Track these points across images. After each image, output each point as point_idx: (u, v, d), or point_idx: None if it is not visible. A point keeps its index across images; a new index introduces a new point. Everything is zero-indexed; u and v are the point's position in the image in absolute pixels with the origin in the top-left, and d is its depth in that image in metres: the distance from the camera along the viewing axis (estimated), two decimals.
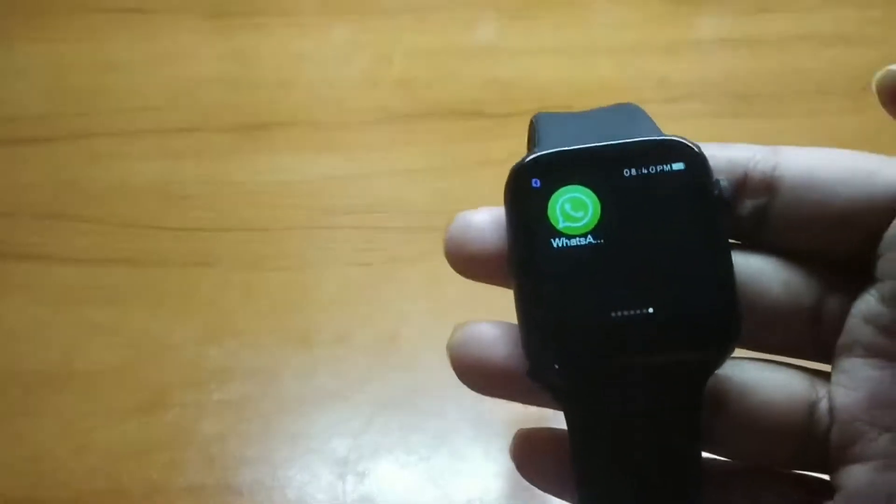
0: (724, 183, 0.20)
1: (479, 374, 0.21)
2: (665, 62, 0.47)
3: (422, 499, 0.34)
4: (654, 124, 0.21)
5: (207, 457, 0.35)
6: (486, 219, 0.21)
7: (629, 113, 0.22)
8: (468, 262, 0.21)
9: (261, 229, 0.42)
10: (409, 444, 0.36)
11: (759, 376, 0.21)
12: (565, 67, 0.47)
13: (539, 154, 0.20)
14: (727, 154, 0.21)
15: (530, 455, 0.21)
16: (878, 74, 0.20)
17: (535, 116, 0.23)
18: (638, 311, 0.19)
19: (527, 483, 0.21)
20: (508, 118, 0.45)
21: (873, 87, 0.20)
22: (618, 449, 0.20)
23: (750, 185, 0.21)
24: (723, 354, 0.20)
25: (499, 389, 0.21)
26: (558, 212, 0.20)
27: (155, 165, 0.44)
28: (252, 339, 0.38)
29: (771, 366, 0.21)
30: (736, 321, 0.20)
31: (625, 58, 0.47)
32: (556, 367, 0.19)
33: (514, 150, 0.41)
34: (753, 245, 0.21)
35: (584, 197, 0.20)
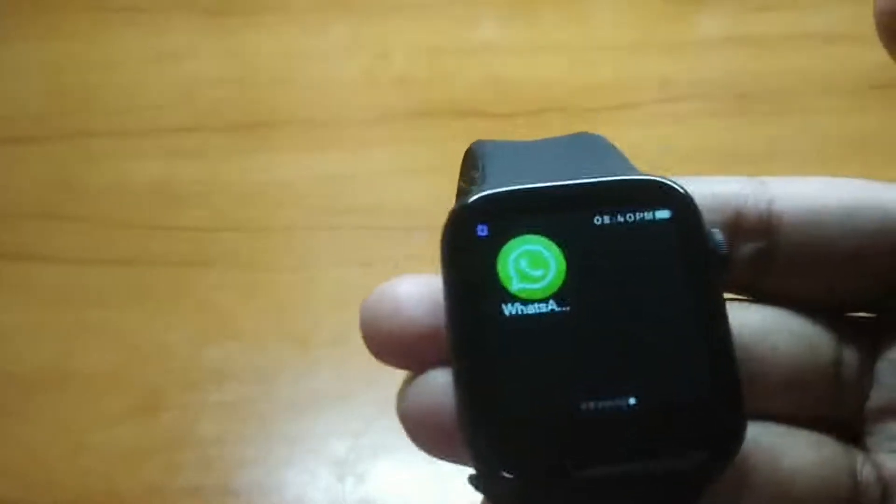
0: (718, 236, 0.16)
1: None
2: (666, 62, 0.47)
3: (422, 500, 0.34)
4: (627, 159, 0.18)
5: (205, 458, 0.35)
6: (413, 289, 0.16)
7: (592, 144, 0.18)
8: (385, 343, 0.16)
9: (260, 229, 0.41)
10: (409, 445, 0.35)
11: (788, 440, 0.17)
12: (565, 67, 0.47)
13: (486, 193, 0.16)
14: (710, 189, 0.17)
15: None
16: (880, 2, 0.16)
17: (473, 144, 0.19)
18: (615, 403, 0.15)
19: None
20: (508, 118, 0.45)
21: (875, 19, 0.17)
22: None
23: (745, 226, 0.17)
24: (726, 458, 0.16)
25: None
26: (511, 269, 0.16)
27: (153, 165, 0.44)
28: (251, 340, 0.38)
29: (793, 428, 0.17)
30: (742, 414, 0.16)
31: (625, 57, 0.47)
32: (507, 474, 0.15)
33: None
34: (753, 296, 0.18)
35: (544, 251, 0.16)
